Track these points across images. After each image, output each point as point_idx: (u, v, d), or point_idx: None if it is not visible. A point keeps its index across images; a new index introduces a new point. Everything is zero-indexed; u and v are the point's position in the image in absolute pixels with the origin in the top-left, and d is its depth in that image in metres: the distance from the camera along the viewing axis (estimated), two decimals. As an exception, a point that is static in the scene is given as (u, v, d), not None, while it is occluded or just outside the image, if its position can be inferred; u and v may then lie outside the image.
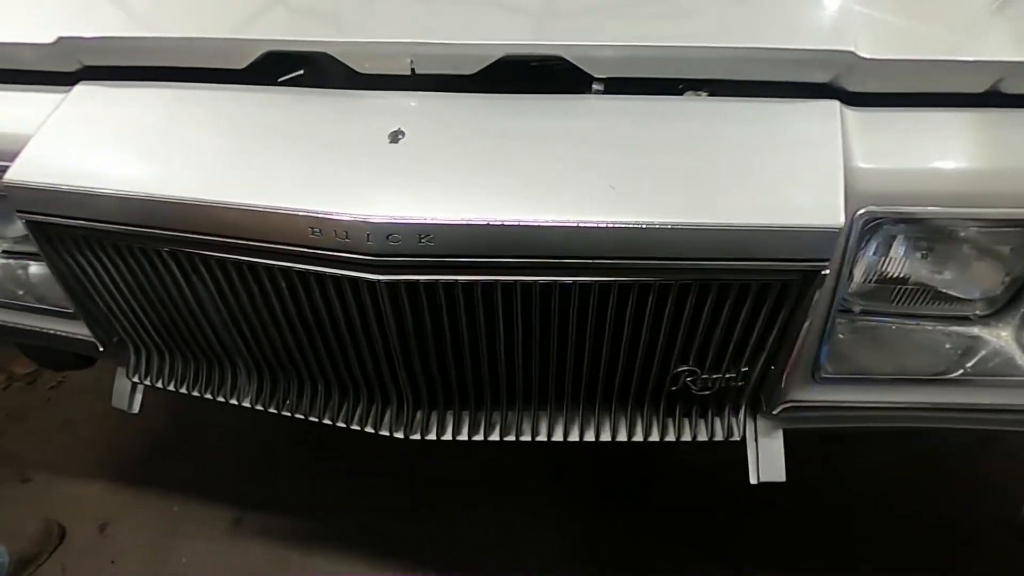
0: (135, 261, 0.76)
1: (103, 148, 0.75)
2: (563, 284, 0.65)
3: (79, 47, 0.83)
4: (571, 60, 0.71)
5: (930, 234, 0.70)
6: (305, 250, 0.66)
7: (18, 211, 0.75)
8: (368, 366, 0.78)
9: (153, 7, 0.93)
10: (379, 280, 0.66)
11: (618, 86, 0.73)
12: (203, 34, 0.78)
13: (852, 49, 0.68)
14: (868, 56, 0.68)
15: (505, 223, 0.61)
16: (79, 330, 0.91)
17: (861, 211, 0.65)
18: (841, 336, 0.78)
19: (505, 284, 0.66)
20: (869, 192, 0.64)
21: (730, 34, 0.72)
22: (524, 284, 0.66)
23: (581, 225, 0.61)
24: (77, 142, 0.75)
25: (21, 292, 0.97)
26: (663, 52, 0.70)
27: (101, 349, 0.90)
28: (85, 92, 0.82)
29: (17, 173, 0.73)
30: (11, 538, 1.32)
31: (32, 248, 0.94)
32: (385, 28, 0.74)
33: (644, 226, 0.60)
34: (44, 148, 0.75)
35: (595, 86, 0.74)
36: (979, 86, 0.68)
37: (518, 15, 0.78)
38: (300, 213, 0.63)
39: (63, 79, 0.85)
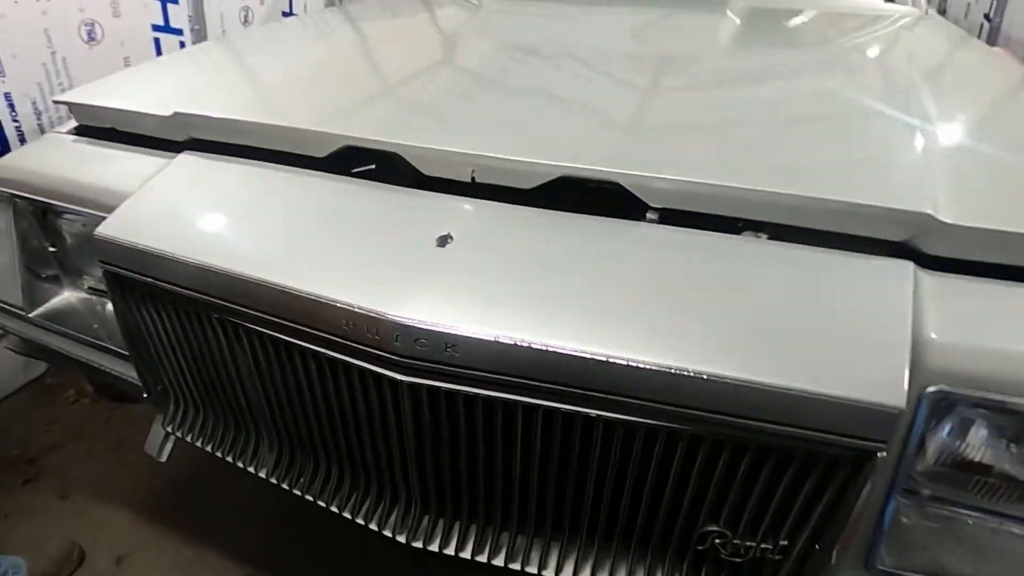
0: (188, 321, 0.80)
1: (184, 215, 0.81)
2: (587, 416, 0.61)
3: (188, 122, 0.93)
4: (627, 187, 0.71)
5: (1018, 424, 0.61)
6: (337, 339, 0.67)
7: (100, 260, 0.82)
8: (382, 460, 0.76)
9: (260, 94, 1.05)
10: (402, 380, 0.65)
11: (674, 217, 0.72)
12: (293, 124, 0.85)
13: (930, 212, 0.64)
14: (948, 221, 0.63)
15: (532, 346, 0.59)
16: (131, 372, 0.96)
17: (931, 389, 0.58)
18: (905, 521, 0.68)
19: (527, 406, 0.63)
20: (941, 369, 0.58)
21: (798, 179, 0.69)
22: (547, 409, 0.62)
23: (613, 360, 0.58)
24: (164, 207, 0.83)
25: (96, 326, 1.05)
26: (723, 191, 0.69)
27: (145, 395, 0.94)
28: (186, 161, 0.91)
29: (107, 228, 0.80)
30: (34, 553, 1.36)
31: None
32: (454, 138, 0.78)
33: (682, 373, 0.56)
34: (135, 210, 0.82)
35: (649, 215, 0.73)
36: None
37: (580, 136, 0.80)
38: (337, 304, 0.65)
39: (173, 146, 0.95)
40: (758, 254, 0.67)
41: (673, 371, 0.57)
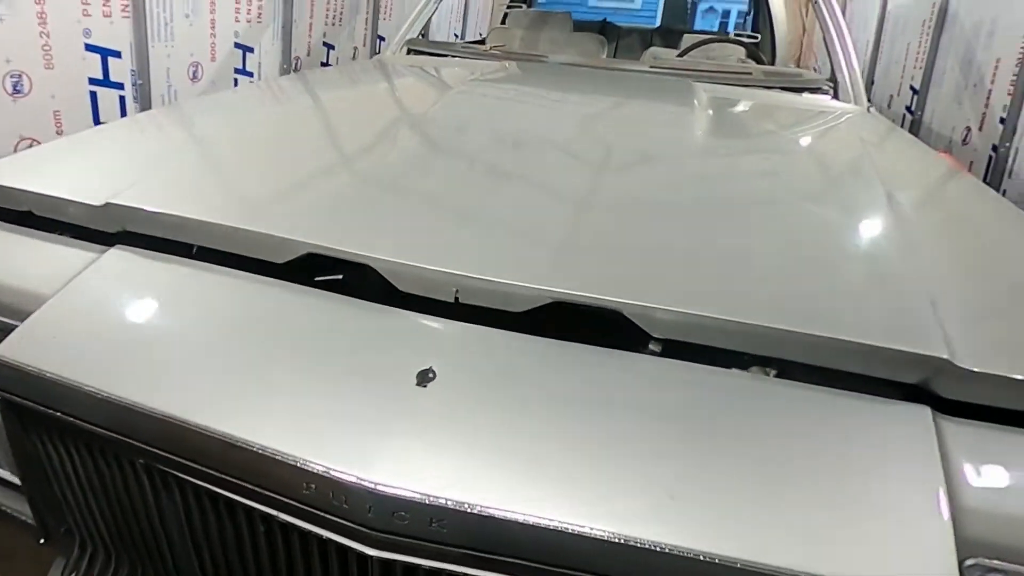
0: (105, 463, 0.66)
1: (108, 333, 0.68)
2: None
3: (124, 214, 0.81)
4: (628, 316, 0.65)
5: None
6: (292, 503, 0.55)
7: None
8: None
9: (211, 182, 0.94)
10: (373, 556, 0.54)
11: (677, 346, 0.66)
12: (250, 226, 0.75)
13: (947, 357, 0.60)
14: (967, 367, 0.60)
15: (537, 523, 0.50)
16: (22, 508, 0.79)
17: (970, 562, 0.52)
18: None
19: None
20: (980, 541, 0.52)
21: (807, 314, 0.65)
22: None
23: (629, 543, 0.49)
24: (84, 322, 0.69)
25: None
26: (731, 326, 0.63)
27: (43, 539, 0.77)
28: (116, 259, 0.78)
29: (8, 348, 0.66)
30: None
31: None
32: (435, 252, 0.69)
33: (706, 558, 0.49)
34: (46, 324, 0.69)
35: (652, 345, 0.66)
36: None
37: (575, 255, 0.73)
38: (295, 463, 0.54)
39: (102, 238, 0.82)
40: (769, 395, 0.62)
41: (700, 557, 0.49)
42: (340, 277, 0.74)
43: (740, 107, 1.62)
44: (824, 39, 2.05)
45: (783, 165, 1.21)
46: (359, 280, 0.72)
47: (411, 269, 0.68)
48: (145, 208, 0.79)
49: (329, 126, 1.24)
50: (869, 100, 1.81)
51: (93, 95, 2.05)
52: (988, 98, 2.42)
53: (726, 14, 14.36)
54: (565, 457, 0.55)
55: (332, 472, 0.53)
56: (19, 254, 0.82)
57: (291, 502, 0.55)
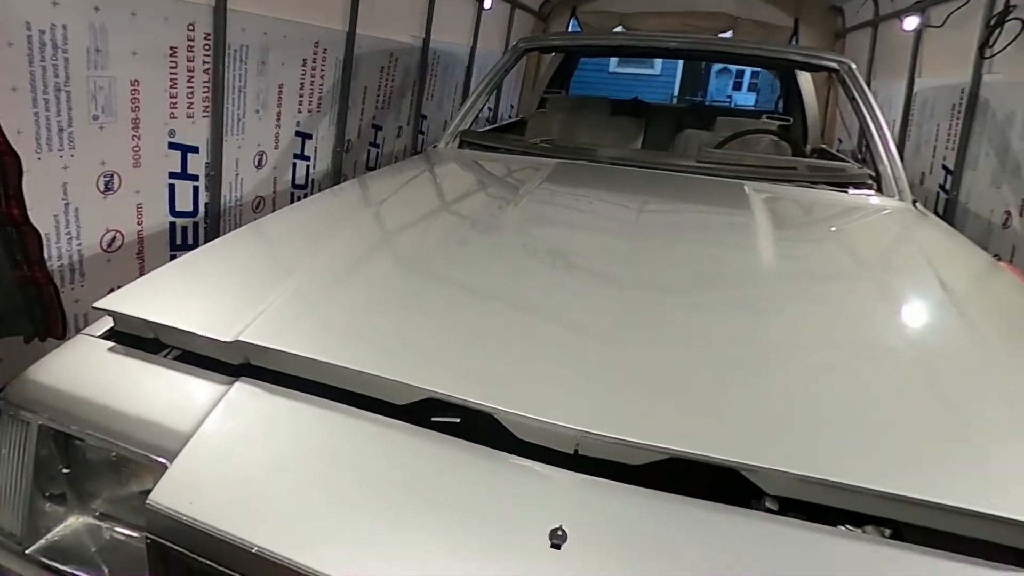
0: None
1: (244, 476, 0.73)
2: None
3: (251, 350, 0.87)
4: (745, 475, 0.68)
5: None
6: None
7: (146, 532, 0.72)
8: None
9: (326, 318, 0.97)
10: None
11: (791, 504, 0.68)
12: (374, 370, 0.80)
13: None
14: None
15: None
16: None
17: None
18: None
19: None
20: None
21: (930, 478, 0.67)
22: None
23: None
24: (221, 464, 0.75)
25: (93, 554, 0.91)
26: (845, 489, 0.66)
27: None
28: (242, 395, 0.84)
29: (158, 496, 0.71)
30: None
31: (128, 516, 0.91)
32: (556, 403, 0.74)
33: None
34: (188, 469, 0.74)
35: (768, 503, 0.69)
36: None
37: (691, 412, 0.77)
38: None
39: (227, 368, 0.88)
40: (887, 559, 0.64)
41: None
42: (457, 420, 0.79)
43: (795, 214, 1.67)
44: (863, 133, 2.13)
45: (858, 288, 1.22)
46: (476, 427, 0.77)
47: (532, 421, 0.72)
48: (274, 348, 0.85)
49: (427, 246, 1.29)
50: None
51: (171, 187, 2.20)
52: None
53: (740, 74, 14.77)
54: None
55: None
56: (147, 386, 0.88)
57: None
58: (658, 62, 12.67)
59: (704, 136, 2.92)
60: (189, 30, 2.09)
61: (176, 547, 0.70)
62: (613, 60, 12.45)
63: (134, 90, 1.93)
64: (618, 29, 5.52)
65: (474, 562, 0.63)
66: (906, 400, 0.82)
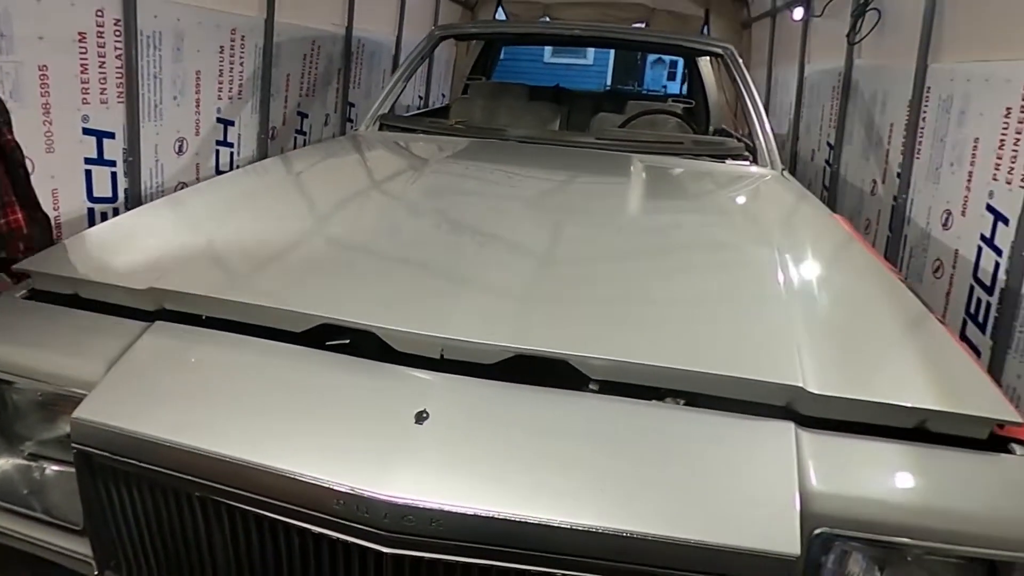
0: (164, 499, 0.83)
1: (163, 393, 0.86)
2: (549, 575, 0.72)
3: (165, 296, 0.99)
4: (573, 365, 0.87)
5: (882, 555, 0.78)
6: (324, 516, 0.74)
7: (73, 442, 0.83)
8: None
9: (232, 264, 1.13)
10: (387, 552, 0.72)
11: (610, 385, 0.88)
12: (274, 304, 0.94)
13: (800, 384, 0.84)
14: (815, 391, 0.83)
15: (506, 518, 0.70)
16: (79, 548, 0.93)
17: (817, 531, 0.74)
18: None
19: (500, 569, 0.72)
20: (823, 514, 0.74)
21: (706, 356, 0.88)
22: (516, 571, 0.72)
23: (575, 527, 0.70)
24: (142, 385, 0.87)
25: (26, 494, 1.01)
26: (646, 368, 0.86)
27: (96, 573, 0.92)
28: (159, 333, 0.96)
29: (84, 411, 0.83)
30: None
31: (57, 454, 1.02)
32: (424, 320, 0.90)
33: (624, 534, 0.69)
34: (111, 389, 0.86)
35: (591, 385, 0.88)
36: (909, 423, 0.83)
37: (534, 320, 0.95)
38: (331, 486, 0.72)
39: (143, 315, 1.00)
40: (676, 419, 0.84)
41: (620, 534, 0.69)
42: (347, 341, 0.94)
43: (669, 178, 1.90)
44: (742, 109, 2.39)
45: (696, 230, 1.48)
46: (362, 343, 0.92)
47: (406, 334, 0.89)
48: (186, 292, 0.97)
49: (327, 207, 1.45)
50: (783, 163, 2.13)
51: (88, 173, 2.22)
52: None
53: (673, 64, 15.36)
54: (526, 471, 0.75)
55: (357, 491, 0.72)
56: (69, 332, 0.99)
57: (321, 515, 0.73)
58: (590, 52, 13.01)
59: (616, 119, 3.15)
60: (98, 15, 2.11)
61: (99, 451, 0.82)
62: (547, 51, 12.69)
63: (43, 75, 1.95)
64: (544, 19, 5.71)
65: (353, 437, 0.78)
66: (699, 301, 1.06)
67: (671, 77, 15.52)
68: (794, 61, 4.23)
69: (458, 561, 0.72)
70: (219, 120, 2.89)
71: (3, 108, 1.33)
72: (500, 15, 6.01)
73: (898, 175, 2.67)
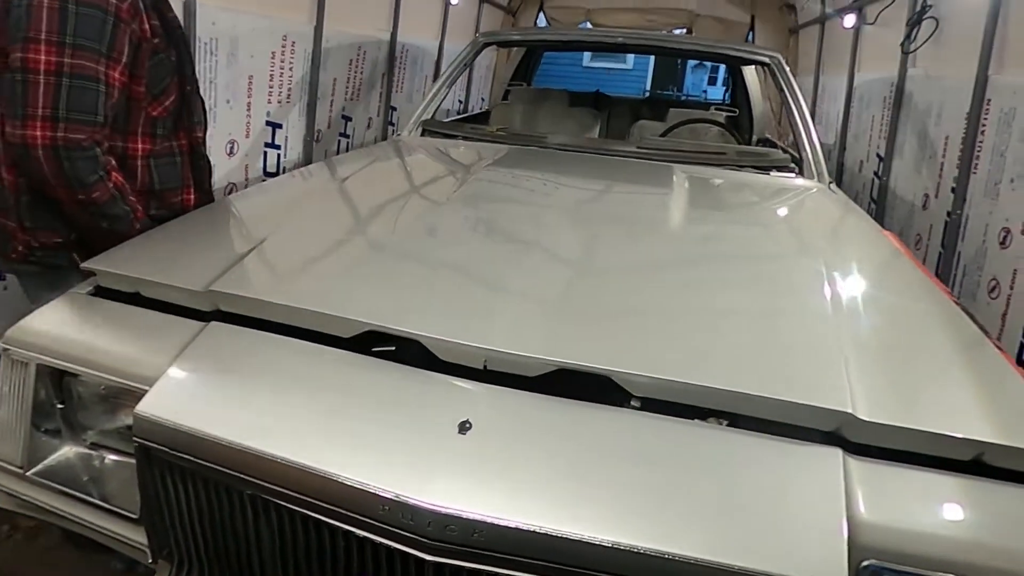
0: (217, 494, 0.86)
1: (219, 392, 0.90)
2: None
3: (220, 298, 1.03)
4: (615, 380, 0.87)
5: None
6: (369, 520, 0.76)
7: (135, 437, 0.88)
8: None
9: (285, 270, 1.17)
10: (428, 560, 0.74)
11: (652, 402, 0.87)
12: (324, 310, 0.97)
13: (850, 411, 0.82)
14: (866, 418, 0.81)
15: (547, 533, 0.70)
16: (134, 536, 0.98)
17: (865, 563, 0.72)
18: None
19: (540, 583, 0.73)
20: (872, 546, 0.72)
21: (752, 377, 0.87)
22: (556, 585, 0.72)
23: (616, 546, 0.70)
24: (199, 384, 0.91)
25: (87, 481, 1.06)
26: (689, 388, 0.85)
27: (151, 560, 0.96)
28: (215, 333, 1.00)
29: (146, 406, 0.87)
30: None
31: (117, 444, 1.07)
32: (469, 330, 0.92)
33: (666, 556, 0.69)
34: (170, 386, 0.90)
35: (633, 402, 0.88)
36: (964, 455, 0.80)
37: (577, 334, 0.95)
38: (378, 491, 0.74)
39: (196, 314, 1.04)
40: (719, 440, 0.83)
41: (664, 556, 0.69)
42: (393, 348, 0.96)
43: (712, 190, 1.87)
44: (788, 120, 2.33)
45: (740, 244, 1.46)
46: (408, 353, 0.94)
47: (450, 343, 0.90)
48: (241, 295, 1.01)
49: (373, 213, 1.48)
50: (831, 175, 2.07)
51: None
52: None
53: (715, 69, 15.07)
54: (568, 486, 0.75)
55: (403, 498, 0.73)
56: (131, 328, 1.04)
57: (367, 520, 0.75)
58: (630, 57, 12.91)
59: (657, 126, 3.11)
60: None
61: (158, 446, 0.86)
62: (587, 55, 12.65)
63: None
64: (585, 24, 5.70)
65: (398, 443, 0.80)
66: (745, 320, 1.04)
67: (712, 82, 15.26)
68: (843, 69, 4.11)
69: (497, 572, 0.73)
70: (268, 123, 2.98)
71: (203, 110, 1.50)
72: (541, 20, 6.03)
73: (952, 190, 2.57)
